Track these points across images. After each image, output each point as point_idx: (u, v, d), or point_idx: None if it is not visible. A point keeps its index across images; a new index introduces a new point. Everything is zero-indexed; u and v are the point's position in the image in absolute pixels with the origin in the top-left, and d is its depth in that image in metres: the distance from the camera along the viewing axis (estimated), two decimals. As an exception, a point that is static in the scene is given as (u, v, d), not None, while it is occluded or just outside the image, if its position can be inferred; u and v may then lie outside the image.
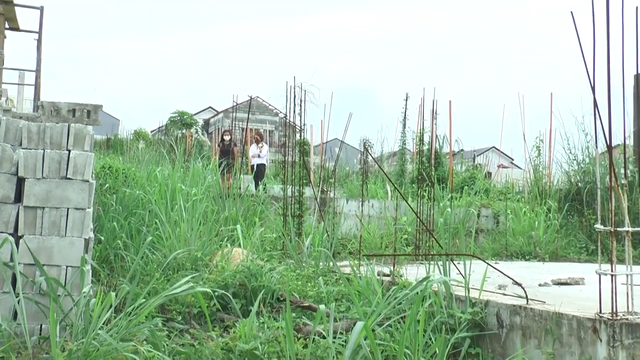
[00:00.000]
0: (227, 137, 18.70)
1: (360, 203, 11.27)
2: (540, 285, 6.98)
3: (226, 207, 11.29)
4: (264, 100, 50.84)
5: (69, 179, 6.02)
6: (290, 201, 10.88)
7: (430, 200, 11.19)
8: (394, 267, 7.88)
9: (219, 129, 43.31)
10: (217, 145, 20.82)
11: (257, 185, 15.46)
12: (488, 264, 6.52)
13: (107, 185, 10.59)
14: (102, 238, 8.37)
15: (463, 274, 6.02)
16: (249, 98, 17.59)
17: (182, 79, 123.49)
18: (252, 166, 18.58)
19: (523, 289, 5.75)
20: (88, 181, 6.08)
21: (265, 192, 14.02)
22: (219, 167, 13.98)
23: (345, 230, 12.86)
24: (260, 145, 18.88)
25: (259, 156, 18.77)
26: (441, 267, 6.53)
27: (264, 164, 18.82)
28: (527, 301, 5.49)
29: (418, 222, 10.58)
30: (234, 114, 17.98)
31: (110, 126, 34.70)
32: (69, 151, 6.10)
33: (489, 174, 23.35)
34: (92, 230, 6.66)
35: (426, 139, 17.63)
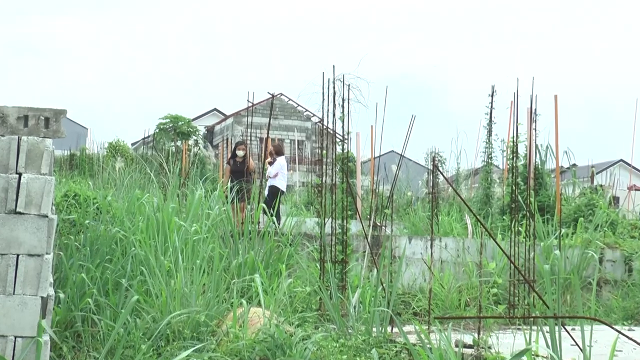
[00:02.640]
0: (240, 152, 18.73)
1: (429, 243, 11.18)
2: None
3: (240, 249, 11.30)
4: (290, 99, 51.15)
5: (20, 213, 6.08)
6: (329, 241, 10.84)
7: (529, 238, 11.04)
8: (478, 334, 7.76)
9: (227, 139, 43.64)
10: (226, 162, 20.85)
11: (278, 218, 15.45)
12: (618, 331, 6.38)
13: (71, 220, 10.68)
14: (65, 296, 8.43)
15: (581, 345, 5.90)
16: (270, 96, 17.59)
17: (175, 73, 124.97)
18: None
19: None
20: (47, 216, 6.14)
21: (278, 222, 13.97)
22: (229, 192, 14.02)
23: (407, 281, 12.77)
24: (269, 160, 18.84)
25: (269, 177, 18.80)
26: (548, 335, 6.41)
27: (277, 188, 18.77)
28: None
29: (512, 270, 10.43)
30: (249, 119, 18.03)
31: (74, 137, 35.19)
32: (20, 175, 6.17)
33: (616, 199, 23.03)
34: (51, 285, 6.71)
35: (521, 150, 17.47)
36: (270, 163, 18.97)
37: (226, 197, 13.59)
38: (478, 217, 10.99)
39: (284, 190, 19.73)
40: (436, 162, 22.40)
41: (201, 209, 12.02)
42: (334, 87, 11.07)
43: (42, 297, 6.10)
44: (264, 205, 13.58)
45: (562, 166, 19.55)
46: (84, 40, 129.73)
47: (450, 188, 21.62)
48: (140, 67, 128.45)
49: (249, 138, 19.25)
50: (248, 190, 14.90)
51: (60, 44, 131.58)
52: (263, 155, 19.32)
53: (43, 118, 6.65)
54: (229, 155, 20.19)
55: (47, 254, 6.17)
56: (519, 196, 11.97)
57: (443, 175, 12.17)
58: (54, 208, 7.46)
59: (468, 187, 24.04)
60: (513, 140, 14.04)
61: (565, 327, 6.72)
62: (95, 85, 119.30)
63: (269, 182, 18.80)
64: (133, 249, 9.63)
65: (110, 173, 17.85)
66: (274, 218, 13.03)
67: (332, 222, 11.07)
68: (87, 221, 10.44)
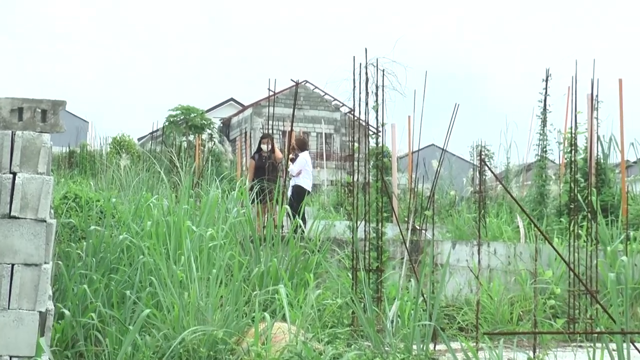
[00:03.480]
0: (265, 146, 18.73)
1: (476, 248, 11.14)
2: None
3: (261, 257, 11.30)
4: (316, 87, 51.19)
5: (15, 217, 6.11)
6: (362, 247, 10.81)
7: (590, 242, 10.95)
8: (534, 352, 7.72)
9: (246, 132, 43.71)
10: (250, 157, 20.84)
11: (303, 222, 15.44)
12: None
13: (71, 225, 10.73)
14: (66, 311, 8.46)
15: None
16: (294, 84, 17.62)
17: (186, 62, 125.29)
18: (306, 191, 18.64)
19: None
20: (45, 221, 6.16)
21: (304, 225, 13.93)
22: (250, 192, 14.00)
23: (452, 291, 12.72)
24: (291, 156, 18.75)
25: (292, 175, 18.76)
26: (615, 354, 6.36)
27: (302, 187, 18.74)
28: None
29: (572, 279, 10.35)
30: (271, 110, 18.05)
31: (74, 132, 35.43)
32: (14, 174, 6.20)
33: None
34: (50, 299, 6.74)
35: (581, 142, 17.39)
36: (293, 160, 18.90)
37: (252, 196, 13.59)
38: (532, 218, 10.93)
39: (310, 189, 19.70)
40: (483, 156, 22.30)
41: (217, 211, 12.05)
42: (366, 73, 11.02)
43: (40, 312, 6.12)
44: (288, 207, 13.58)
45: (628, 160, 19.38)
46: (83, 25, 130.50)
47: (499, 186, 21.51)
48: (147, 56, 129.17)
49: (270, 131, 19.29)
50: (271, 191, 14.83)
51: (59, 29, 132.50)
52: (286, 150, 19.30)
53: (40, 110, 6.67)
54: (255, 149, 20.10)
55: (45, 263, 6.20)
56: (578, 195, 11.88)
57: (491, 171, 12.07)
58: (52, 212, 7.49)
59: (519, 185, 23.91)
60: (571, 131, 13.97)
61: (635, 344, 6.66)
62: (97, 75, 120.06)
63: (292, 182, 18.79)
64: (141, 257, 9.67)
65: (114, 172, 17.95)
66: (300, 221, 13.02)
67: (365, 226, 11.04)
68: (89, 226, 10.49)
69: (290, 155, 18.67)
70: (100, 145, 35.30)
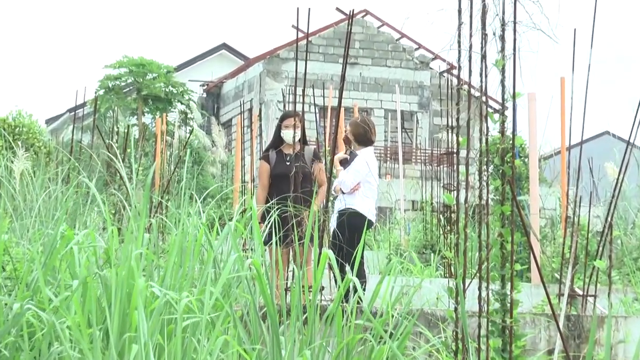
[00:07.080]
0: (288, 134, 18.51)
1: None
2: None
3: (283, 347, 11.30)
4: (385, 24, 51.12)
5: None
6: (475, 329, 10.80)
7: None
8: None
9: (250, 108, 43.87)
10: (260, 157, 20.72)
11: (362, 279, 15.45)
12: None
13: None
14: None
15: None
16: (344, 16, 17.61)
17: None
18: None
19: None
20: None
21: (363, 286, 13.95)
22: (263, 223, 14.04)
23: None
24: (339, 155, 18.46)
25: (341, 191, 18.55)
26: None
27: (359, 214, 18.55)
28: None
29: None
30: (298, 65, 17.99)
31: None
32: None
33: None
34: None
35: None
36: (345, 163, 18.70)
37: (264, 232, 13.62)
38: None
39: (374, 219, 19.55)
40: None
41: (200, 259, 12.05)
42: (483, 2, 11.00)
43: None
44: (332, 251, 13.55)
45: None
46: None
47: None
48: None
49: (299, 107, 19.23)
50: (301, 222, 14.75)
51: None
52: (330, 144, 19.29)
53: None
54: (261, 142, 20.06)
55: None
56: None
57: None
58: None
59: None
60: None
61: None
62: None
63: (341, 203, 18.67)
64: (57, 345, 9.67)
65: (3, 183, 18.06)
66: (355, 279, 12.99)
67: (479, 288, 11.02)
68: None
69: (340, 155, 18.48)
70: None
